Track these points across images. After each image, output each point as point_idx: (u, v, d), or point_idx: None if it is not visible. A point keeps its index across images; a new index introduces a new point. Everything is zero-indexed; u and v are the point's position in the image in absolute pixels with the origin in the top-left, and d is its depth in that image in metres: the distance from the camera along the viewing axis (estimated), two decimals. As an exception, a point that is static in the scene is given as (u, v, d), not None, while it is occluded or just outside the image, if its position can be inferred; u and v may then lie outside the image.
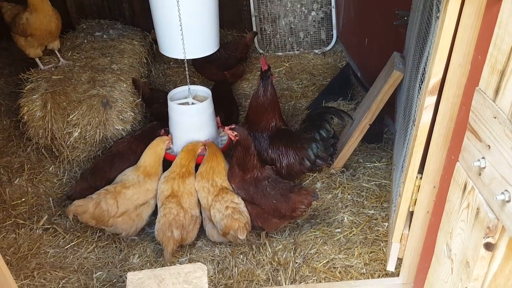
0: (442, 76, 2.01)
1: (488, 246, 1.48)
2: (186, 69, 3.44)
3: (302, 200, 2.95)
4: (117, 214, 3.05)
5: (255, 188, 3.06)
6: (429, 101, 2.09)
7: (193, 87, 3.67)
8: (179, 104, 3.52)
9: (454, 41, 1.89)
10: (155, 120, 3.92)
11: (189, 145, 3.30)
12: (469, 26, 1.80)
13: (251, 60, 5.39)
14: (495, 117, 1.41)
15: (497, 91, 1.41)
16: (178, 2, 3.03)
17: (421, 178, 2.31)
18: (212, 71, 4.63)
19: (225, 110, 4.03)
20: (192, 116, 3.49)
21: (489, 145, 1.45)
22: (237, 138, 3.10)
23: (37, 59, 4.17)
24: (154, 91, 4.28)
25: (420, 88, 2.29)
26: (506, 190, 1.35)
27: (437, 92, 2.05)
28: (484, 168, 1.48)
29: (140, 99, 4.12)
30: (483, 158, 1.48)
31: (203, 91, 3.67)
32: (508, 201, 1.34)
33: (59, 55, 4.22)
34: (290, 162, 3.35)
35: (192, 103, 3.55)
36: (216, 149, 3.27)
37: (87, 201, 3.01)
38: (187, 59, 3.33)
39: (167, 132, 3.60)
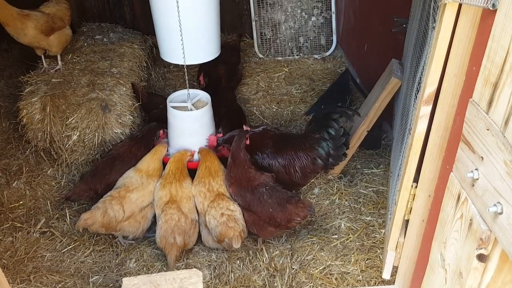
0: (438, 86, 2.02)
1: (481, 258, 1.48)
2: (186, 74, 3.44)
3: (298, 212, 2.95)
4: (124, 218, 3.07)
5: (252, 195, 3.06)
6: (425, 110, 2.09)
7: (193, 91, 3.67)
8: (178, 108, 3.53)
9: (449, 52, 1.90)
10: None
11: (177, 155, 3.32)
12: (464, 37, 1.81)
13: (250, 65, 5.41)
14: (488, 129, 1.41)
15: (490, 103, 1.42)
16: (178, 7, 3.04)
17: (416, 187, 2.31)
18: (225, 87, 4.60)
19: (233, 120, 3.96)
20: (190, 122, 3.49)
21: (482, 157, 1.46)
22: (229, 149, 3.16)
23: (42, 57, 4.22)
24: (153, 96, 4.27)
25: (416, 97, 2.30)
26: (499, 202, 1.36)
27: (432, 102, 2.06)
28: (477, 179, 1.48)
29: (139, 103, 4.12)
30: (476, 169, 1.49)
31: (205, 96, 3.67)
32: (501, 213, 1.35)
33: (58, 59, 4.23)
34: (303, 164, 3.31)
35: (191, 109, 3.56)
36: (208, 153, 3.29)
37: (94, 212, 3.02)
38: (187, 65, 3.34)
39: (166, 133, 3.61)
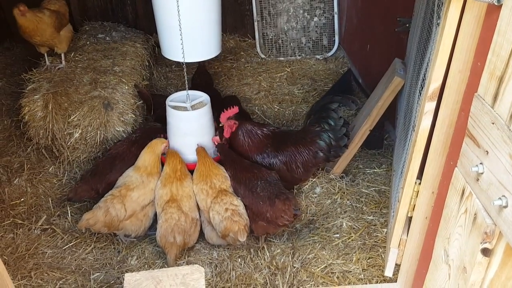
0: (442, 82, 2.02)
1: (485, 252, 1.48)
2: (185, 73, 3.43)
3: (285, 209, 2.94)
4: (125, 217, 3.07)
5: (245, 187, 3.09)
6: (429, 106, 2.09)
7: (195, 92, 3.66)
8: (177, 108, 3.52)
9: (454, 48, 1.90)
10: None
11: (170, 151, 3.35)
12: (468, 33, 1.81)
13: (252, 65, 5.42)
14: (493, 123, 1.41)
15: (495, 97, 1.42)
16: (178, 5, 3.05)
17: (420, 183, 2.31)
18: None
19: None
20: (186, 122, 3.48)
21: (487, 151, 1.45)
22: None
23: (45, 55, 4.22)
24: (156, 96, 4.25)
25: (420, 94, 2.30)
26: (504, 196, 1.36)
27: (436, 98, 2.06)
28: (482, 173, 1.48)
29: (141, 102, 4.13)
30: (481, 163, 1.49)
31: (207, 99, 3.63)
32: (506, 207, 1.35)
33: (62, 58, 4.24)
34: (304, 159, 3.30)
35: (189, 109, 3.55)
36: (205, 153, 3.30)
37: (95, 211, 3.01)
38: (185, 62, 3.34)
39: (166, 138, 3.61)
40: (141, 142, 3.50)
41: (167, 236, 2.97)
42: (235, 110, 3.42)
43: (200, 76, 4.63)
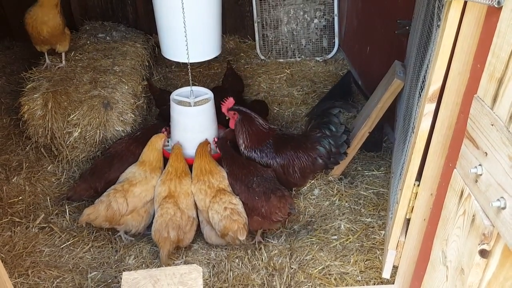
0: (442, 83, 2.02)
1: (483, 253, 1.48)
2: (189, 72, 3.44)
3: (280, 207, 2.96)
4: (127, 212, 3.09)
5: (241, 183, 3.12)
6: (429, 108, 2.10)
7: (201, 89, 3.68)
8: (181, 101, 3.54)
9: (454, 50, 1.91)
10: (163, 120, 3.89)
11: (175, 148, 3.37)
12: (468, 35, 1.81)
13: (252, 66, 5.42)
14: (492, 125, 1.42)
15: (495, 99, 1.42)
16: (183, 7, 3.06)
17: (418, 185, 2.31)
18: None
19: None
20: (188, 117, 3.50)
21: (486, 152, 1.46)
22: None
23: (45, 54, 4.21)
24: (165, 92, 4.25)
25: (420, 95, 2.30)
26: (502, 197, 1.36)
27: (436, 100, 2.07)
28: (481, 175, 1.48)
29: (141, 101, 4.13)
30: (480, 165, 1.49)
31: (210, 94, 3.66)
32: (504, 208, 1.35)
33: (63, 58, 4.24)
34: (303, 165, 3.30)
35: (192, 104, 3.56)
36: (203, 151, 3.31)
37: (97, 206, 3.03)
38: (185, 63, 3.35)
39: (168, 132, 3.63)
40: (140, 141, 3.52)
41: (161, 231, 2.98)
42: (231, 100, 3.43)
43: (229, 79, 4.62)
